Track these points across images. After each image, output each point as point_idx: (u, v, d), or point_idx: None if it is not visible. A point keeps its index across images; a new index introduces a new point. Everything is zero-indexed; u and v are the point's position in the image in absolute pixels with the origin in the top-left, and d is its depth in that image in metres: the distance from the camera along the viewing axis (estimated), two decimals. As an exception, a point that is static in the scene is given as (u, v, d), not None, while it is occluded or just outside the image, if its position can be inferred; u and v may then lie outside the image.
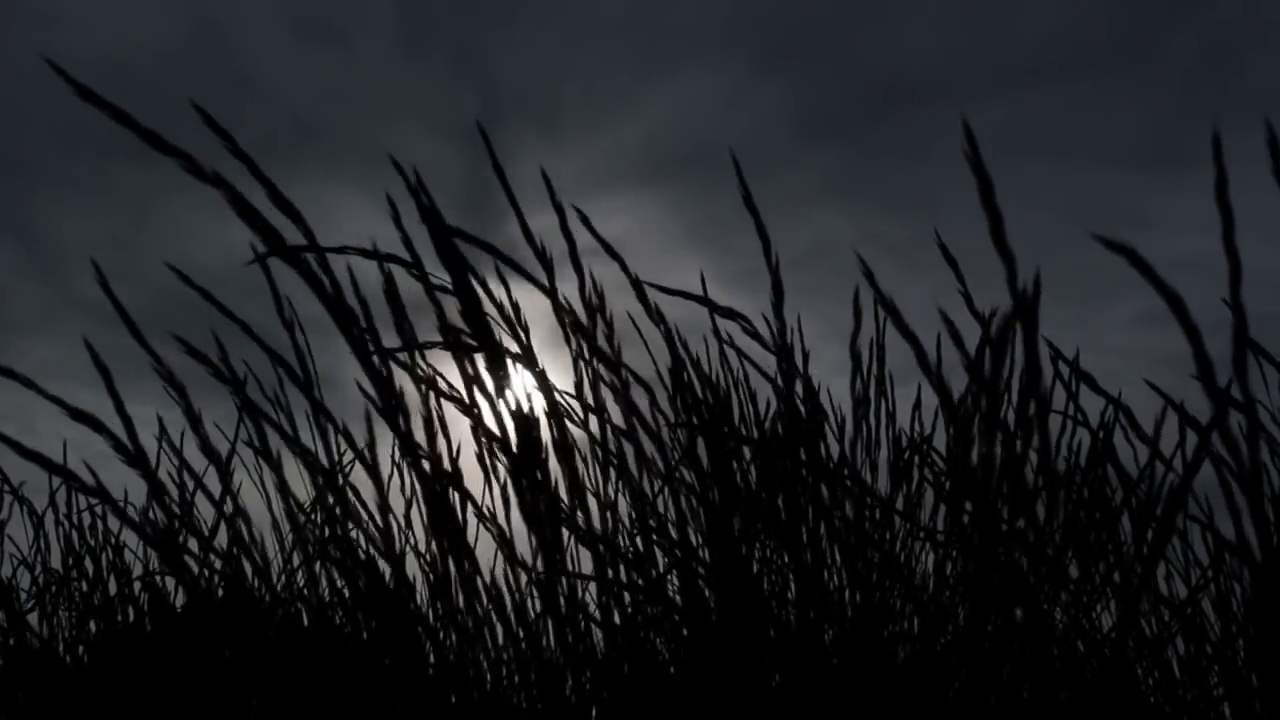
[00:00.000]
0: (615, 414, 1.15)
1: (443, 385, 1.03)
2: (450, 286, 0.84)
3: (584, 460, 1.09)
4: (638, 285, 1.08)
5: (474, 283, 0.86)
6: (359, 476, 1.17)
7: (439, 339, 1.00)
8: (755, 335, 1.08)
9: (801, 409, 1.09)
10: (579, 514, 1.02)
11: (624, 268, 1.07)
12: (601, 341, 1.10)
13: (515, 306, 1.02)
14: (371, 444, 1.01)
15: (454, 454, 1.00)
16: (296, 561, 1.49)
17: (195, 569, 1.39)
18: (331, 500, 0.91)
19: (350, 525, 1.01)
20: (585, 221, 1.06)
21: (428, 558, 1.21)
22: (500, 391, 0.90)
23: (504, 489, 1.02)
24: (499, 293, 1.04)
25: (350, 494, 1.10)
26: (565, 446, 0.98)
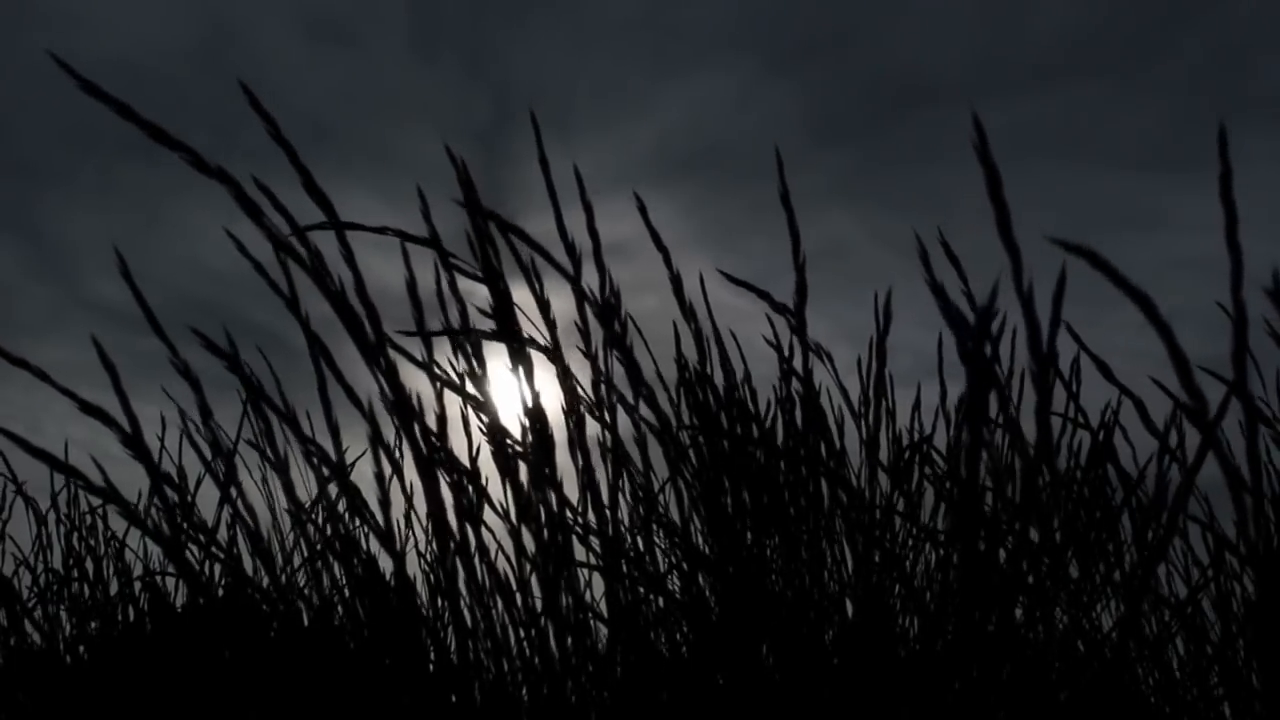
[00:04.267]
0: (624, 413, 1.16)
1: (457, 383, 1.03)
2: (478, 277, 0.85)
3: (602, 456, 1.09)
4: (677, 281, 1.08)
5: (503, 275, 0.87)
6: (359, 476, 1.17)
7: (462, 333, 1.01)
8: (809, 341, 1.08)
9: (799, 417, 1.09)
10: (589, 512, 1.02)
11: (667, 260, 1.07)
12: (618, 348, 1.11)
13: (545, 302, 1.02)
14: (376, 439, 1.01)
15: (474, 453, 1.00)
16: (298, 561, 1.49)
17: (197, 565, 1.39)
18: (336, 494, 0.91)
19: (355, 522, 1.01)
20: (643, 211, 1.07)
21: (428, 557, 1.21)
22: (524, 384, 0.90)
23: (517, 485, 1.02)
24: (524, 290, 1.05)
25: (354, 490, 1.10)
26: (582, 443, 0.98)
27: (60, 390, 0.76)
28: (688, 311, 1.10)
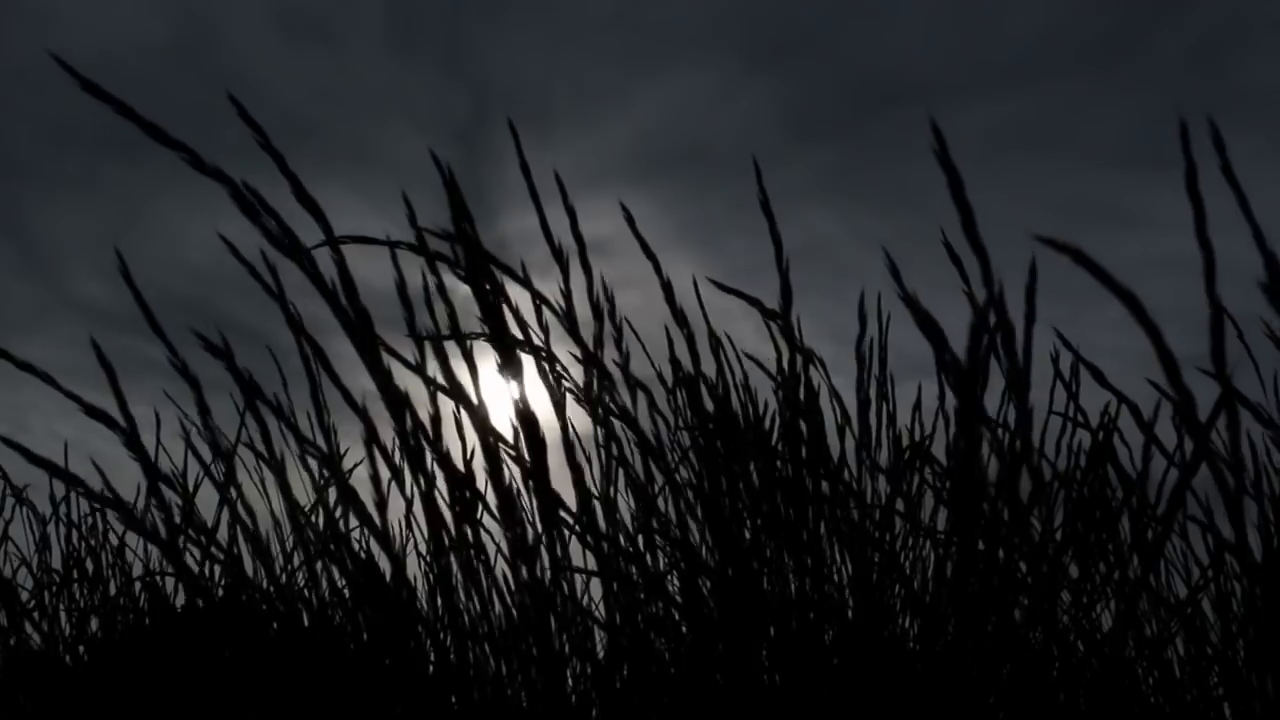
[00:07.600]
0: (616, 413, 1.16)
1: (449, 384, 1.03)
2: (462, 281, 0.85)
3: (587, 459, 1.09)
4: (668, 288, 1.09)
5: (493, 279, 0.87)
6: (357, 480, 1.17)
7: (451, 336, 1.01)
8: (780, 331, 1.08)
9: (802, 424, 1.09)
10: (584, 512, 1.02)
11: (657, 268, 1.08)
12: (610, 348, 1.11)
13: (542, 301, 1.02)
14: (372, 441, 1.01)
15: (467, 455, 1.00)
16: (297, 561, 1.49)
17: (196, 567, 1.39)
18: (334, 493, 0.91)
19: (351, 523, 1.01)
20: (630, 221, 1.07)
21: (427, 558, 1.21)
22: (513, 387, 0.91)
23: (511, 486, 1.02)
24: (514, 292, 1.05)
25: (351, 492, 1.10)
26: (569, 445, 0.98)
27: (65, 394, 0.76)
28: (679, 316, 1.10)
